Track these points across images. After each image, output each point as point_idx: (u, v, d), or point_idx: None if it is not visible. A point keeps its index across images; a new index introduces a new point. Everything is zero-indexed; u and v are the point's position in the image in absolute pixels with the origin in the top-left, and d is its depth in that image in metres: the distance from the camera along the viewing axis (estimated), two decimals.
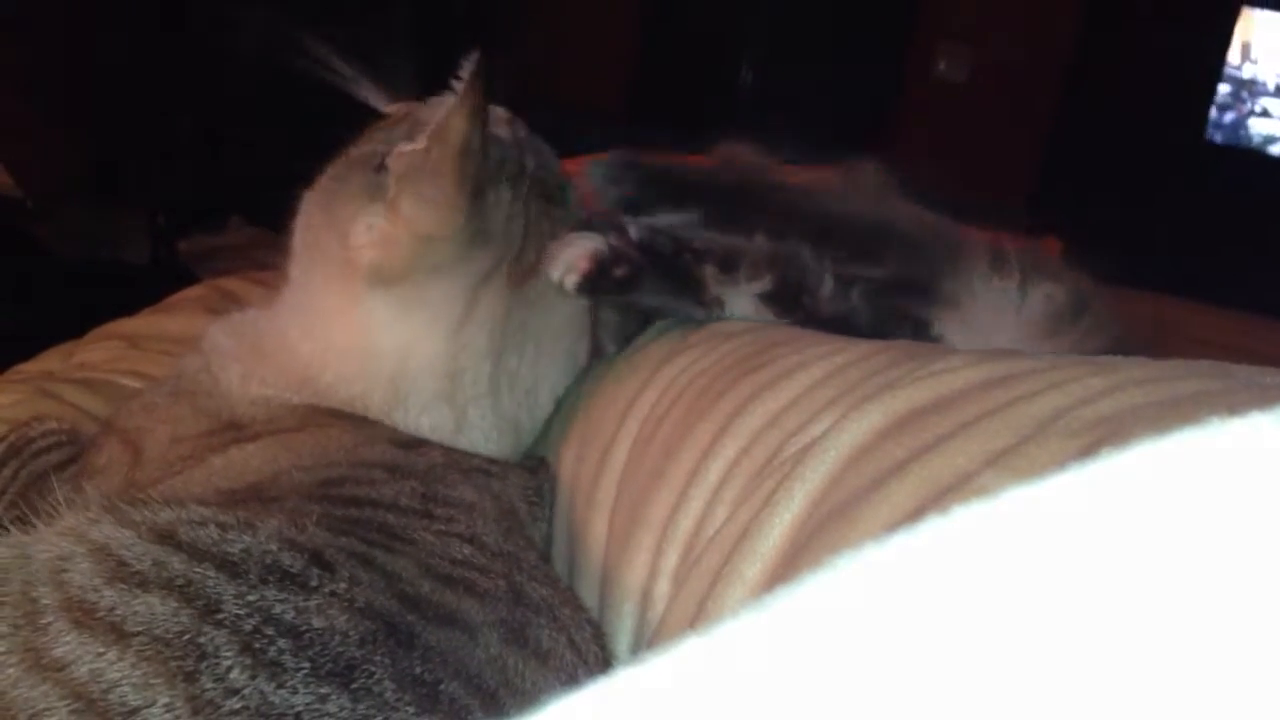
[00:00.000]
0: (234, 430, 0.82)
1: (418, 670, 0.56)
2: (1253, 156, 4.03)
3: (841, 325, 0.91)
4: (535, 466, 0.91)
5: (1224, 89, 3.97)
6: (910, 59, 4.37)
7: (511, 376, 0.88)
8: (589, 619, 0.73)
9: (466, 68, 0.83)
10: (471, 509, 0.75)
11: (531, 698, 0.61)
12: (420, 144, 0.83)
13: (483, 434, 0.88)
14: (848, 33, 4.25)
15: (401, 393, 0.85)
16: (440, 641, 0.58)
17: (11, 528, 0.62)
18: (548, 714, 0.26)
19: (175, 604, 0.53)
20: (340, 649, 0.54)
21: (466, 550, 0.69)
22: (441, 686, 0.56)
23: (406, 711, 0.54)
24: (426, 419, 0.86)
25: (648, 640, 0.73)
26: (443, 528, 0.71)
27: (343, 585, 0.57)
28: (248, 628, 0.53)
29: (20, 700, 0.50)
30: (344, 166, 0.90)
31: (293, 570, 0.57)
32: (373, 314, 0.86)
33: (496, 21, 4.22)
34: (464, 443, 0.87)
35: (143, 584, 0.54)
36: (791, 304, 0.95)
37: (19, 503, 0.84)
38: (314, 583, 0.57)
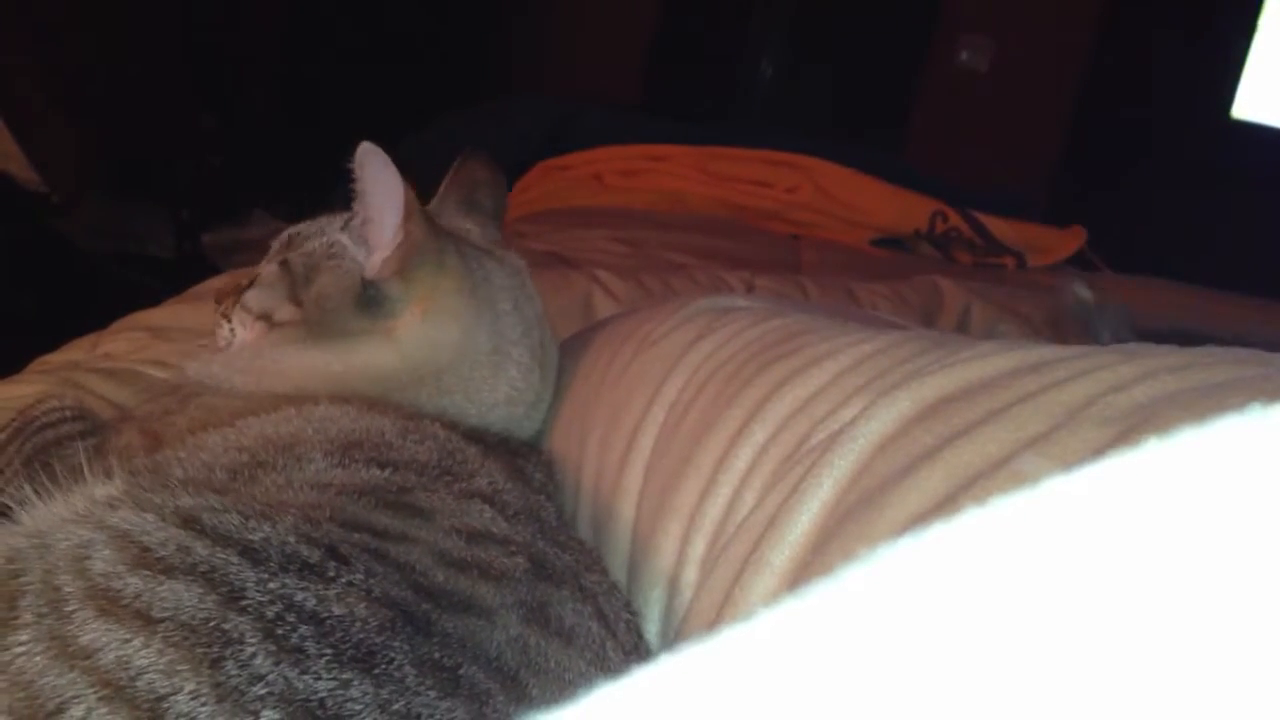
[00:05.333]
0: (249, 414, 0.83)
1: (437, 655, 0.56)
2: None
3: None
4: (524, 451, 0.92)
5: None
6: (932, 49, 4.35)
7: None
8: (616, 584, 0.74)
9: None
10: (484, 465, 0.77)
11: (556, 676, 0.61)
12: None
13: None
14: (869, 24, 4.23)
15: None
16: (457, 627, 0.58)
17: (28, 488, 0.62)
18: (581, 707, 0.25)
19: (200, 590, 0.53)
20: (361, 635, 0.54)
21: (487, 515, 0.69)
22: (461, 671, 0.56)
23: (428, 696, 0.54)
24: None
25: (675, 627, 0.72)
26: (464, 485, 0.72)
27: (359, 576, 0.57)
28: (271, 614, 0.53)
29: (48, 688, 0.50)
30: None
31: (311, 561, 0.57)
32: None
33: (515, 8, 4.23)
34: None
35: (167, 570, 0.54)
36: None
37: (21, 472, 0.84)
38: (332, 573, 0.57)
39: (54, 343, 1.42)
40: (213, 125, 3.56)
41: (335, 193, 0.99)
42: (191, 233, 3.41)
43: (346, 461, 0.72)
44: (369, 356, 0.89)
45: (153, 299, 1.54)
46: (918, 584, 0.26)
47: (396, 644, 0.55)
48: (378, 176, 0.87)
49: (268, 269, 0.96)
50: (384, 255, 0.89)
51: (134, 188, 3.31)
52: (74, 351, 1.38)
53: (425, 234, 0.89)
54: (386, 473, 0.71)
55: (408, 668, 0.54)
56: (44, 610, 0.53)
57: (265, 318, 0.93)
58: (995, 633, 0.24)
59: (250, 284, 0.96)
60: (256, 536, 0.58)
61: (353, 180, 0.88)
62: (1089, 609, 0.24)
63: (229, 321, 0.96)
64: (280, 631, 0.53)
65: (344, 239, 0.91)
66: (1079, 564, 0.25)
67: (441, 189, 1.07)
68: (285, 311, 0.93)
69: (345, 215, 0.92)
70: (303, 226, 0.96)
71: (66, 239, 3.03)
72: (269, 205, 3.44)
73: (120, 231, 3.22)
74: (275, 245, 0.97)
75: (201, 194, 3.45)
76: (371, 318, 0.90)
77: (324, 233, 0.93)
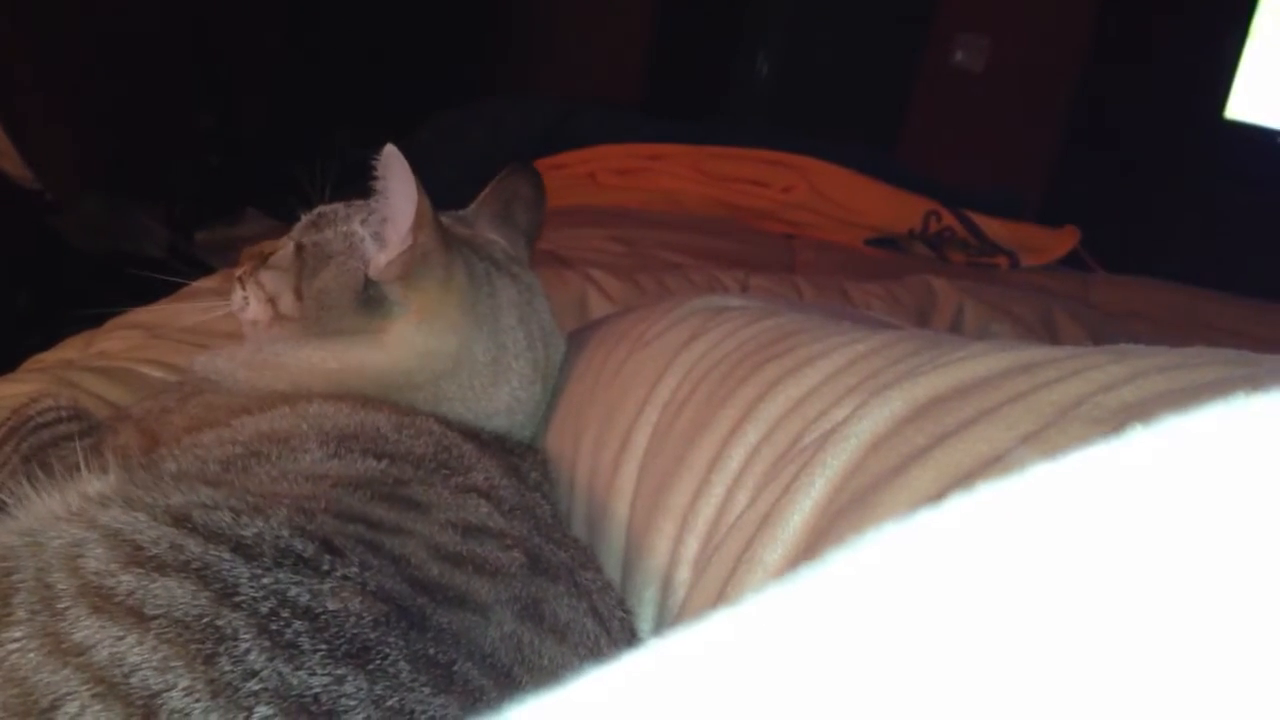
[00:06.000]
0: (245, 414, 0.83)
1: (431, 651, 0.56)
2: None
3: None
4: (521, 450, 0.93)
5: None
6: (928, 49, 4.35)
7: None
8: (610, 582, 0.75)
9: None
10: (480, 461, 0.78)
11: (549, 673, 0.61)
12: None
13: None
14: (865, 22, 4.24)
15: None
16: (452, 623, 0.58)
17: (26, 484, 0.63)
18: (571, 689, 0.25)
19: (193, 587, 0.53)
20: (355, 631, 0.54)
21: (483, 510, 0.69)
22: (455, 667, 0.56)
23: (422, 692, 0.54)
24: None
25: (669, 626, 0.72)
26: (461, 480, 0.72)
27: (354, 570, 0.57)
28: (264, 610, 0.53)
29: (42, 685, 0.50)
30: None
31: (305, 555, 0.57)
32: None
33: (512, 8, 4.22)
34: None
35: (160, 567, 0.54)
36: None
37: (20, 470, 0.84)
38: (326, 567, 0.57)
39: (48, 341, 1.42)
40: (211, 125, 3.56)
41: (339, 192, 1.00)
42: (186, 232, 3.41)
43: (342, 453, 0.72)
44: (363, 356, 0.90)
45: (147, 298, 1.54)
46: (905, 574, 0.26)
47: (391, 639, 0.55)
48: (397, 180, 0.88)
49: (285, 249, 0.98)
50: (390, 258, 0.90)
51: (130, 186, 3.30)
52: (68, 350, 1.37)
53: (435, 245, 0.90)
54: (383, 465, 0.71)
55: (402, 663, 0.54)
56: (37, 607, 0.53)
57: (272, 301, 0.96)
58: (982, 619, 0.25)
59: (268, 258, 0.99)
60: (249, 532, 0.58)
61: (374, 178, 0.89)
62: (1078, 601, 0.25)
63: (244, 289, 0.99)
64: (274, 627, 0.53)
65: (361, 231, 0.93)
66: (1066, 554, 0.25)
67: (481, 195, 1.09)
68: (287, 303, 0.95)
69: (367, 207, 0.93)
70: (330, 208, 0.98)
71: (61, 237, 3.02)
72: (265, 205, 3.44)
73: (115, 230, 3.21)
74: (303, 221, 0.99)
75: (199, 193, 3.45)
76: (368, 317, 0.91)
77: (346, 220, 0.95)
